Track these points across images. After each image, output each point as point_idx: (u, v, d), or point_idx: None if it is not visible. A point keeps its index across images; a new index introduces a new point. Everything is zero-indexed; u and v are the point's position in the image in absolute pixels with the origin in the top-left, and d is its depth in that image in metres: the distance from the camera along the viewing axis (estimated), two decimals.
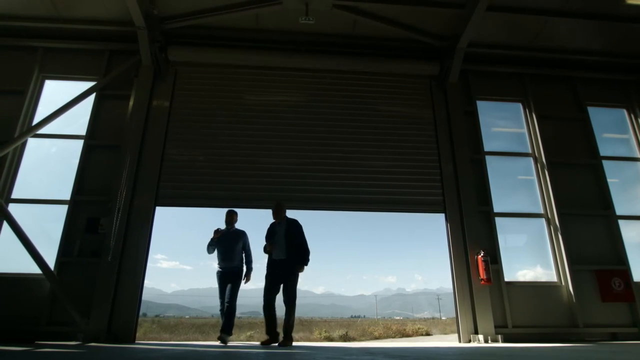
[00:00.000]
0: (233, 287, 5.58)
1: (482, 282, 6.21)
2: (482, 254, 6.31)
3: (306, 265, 5.48)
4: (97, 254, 5.93)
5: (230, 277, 5.66)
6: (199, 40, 7.41)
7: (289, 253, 5.41)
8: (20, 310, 5.71)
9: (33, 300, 5.78)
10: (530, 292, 6.54)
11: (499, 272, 6.54)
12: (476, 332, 6.06)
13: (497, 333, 6.00)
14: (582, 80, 8.13)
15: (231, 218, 6.04)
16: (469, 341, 6.06)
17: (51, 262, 5.89)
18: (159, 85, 7.18)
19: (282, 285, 5.39)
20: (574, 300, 6.42)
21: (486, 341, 5.89)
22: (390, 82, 7.72)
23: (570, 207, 7.06)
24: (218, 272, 5.83)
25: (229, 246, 5.82)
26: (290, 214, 5.96)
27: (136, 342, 5.69)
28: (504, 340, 5.94)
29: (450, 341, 7.36)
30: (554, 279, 6.75)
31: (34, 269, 5.77)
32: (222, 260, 5.79)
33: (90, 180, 6.49)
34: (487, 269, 6.21)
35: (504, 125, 8.06)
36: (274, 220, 5.78)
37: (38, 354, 3.52)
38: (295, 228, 5.59)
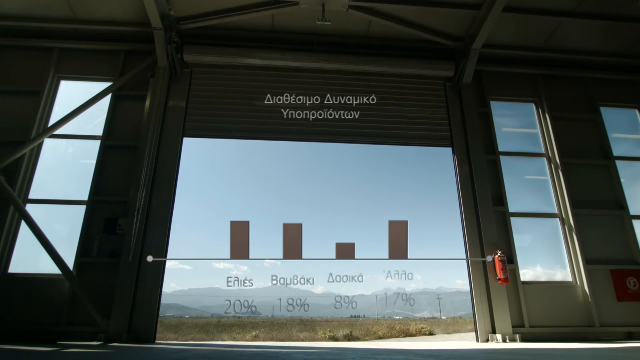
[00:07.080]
0: None
1: (500, 282, 6.24)
2: (499, 254, 6.34)
3: None
4: (116, 254, 5.94)
5: None
6: (214, 41, 7.40)
7: None
8: (40, 311, 5.71)
9: (52, 301, 5.79)
10: (546, 292, 6.56)
11: (515, 272, 6.57)
12: (494, 332, 6.09)
13: (514, 333, 6.03)
14: (595, 80, 8.15)
15: None
16: (487, 340, 6.08)
17: (69, 262, 5.89)
18: (175, 85, 7.20)
19: None
20: (590, 300, 6.45)
21: (504, 341, 5.91)
22: (405, 83, 7.73)
23: (585, 207, 7.08)
24: None
25: None
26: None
27: (157, 342, 5.70)
28: (522, 340, 5.96)
29: (454, 340, 7.37)
30: (569, 278, 6.78)
31: (46, 269, 5.82)
32: None
33: (108, 181, 6.50)
34: (504, 269, 6.24)
35: (516, 126, 8.08)
36: None
37: (70, 355, 3.54)
38: None
